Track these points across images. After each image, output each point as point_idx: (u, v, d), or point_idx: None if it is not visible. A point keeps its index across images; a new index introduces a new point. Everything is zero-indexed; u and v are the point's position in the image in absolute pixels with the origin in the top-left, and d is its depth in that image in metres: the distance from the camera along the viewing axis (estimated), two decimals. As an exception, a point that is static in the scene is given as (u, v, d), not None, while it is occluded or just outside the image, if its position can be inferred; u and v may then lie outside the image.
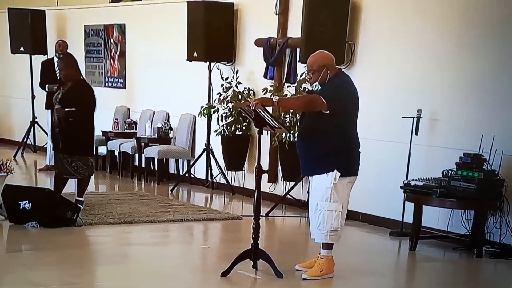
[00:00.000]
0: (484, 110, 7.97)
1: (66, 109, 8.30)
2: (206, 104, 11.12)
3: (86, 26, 14.31)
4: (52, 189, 8.53)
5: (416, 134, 8.34)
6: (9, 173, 8.08)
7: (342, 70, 7.36)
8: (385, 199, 8.83)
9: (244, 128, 10.79)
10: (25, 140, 14.26)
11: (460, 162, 7.72)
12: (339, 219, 6.34)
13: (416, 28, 8.64)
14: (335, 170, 6.24)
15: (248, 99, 10.37)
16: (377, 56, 9.12)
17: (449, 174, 7.79)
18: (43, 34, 14.20)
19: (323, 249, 6.45)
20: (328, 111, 6.14)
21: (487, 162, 7.64)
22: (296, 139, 7.09)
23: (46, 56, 13.67)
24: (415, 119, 8.34)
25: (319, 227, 6.33)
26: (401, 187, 8.08)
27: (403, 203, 8.33)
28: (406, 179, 8.20)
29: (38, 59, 13.24)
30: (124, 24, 13.45)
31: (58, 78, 9.07)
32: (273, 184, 10.39)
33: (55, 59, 11.77)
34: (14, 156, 13.66)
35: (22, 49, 14.20)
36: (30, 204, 7.70)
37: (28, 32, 14.05)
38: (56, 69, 10.78)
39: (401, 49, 8.82)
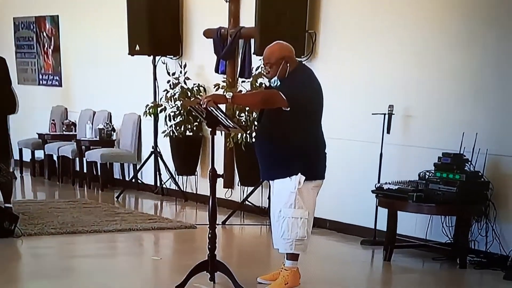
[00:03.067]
0: (465, 105, 7.45)
1: None
2: (152, 103, 10.60)
3: (16, 18, 13.68)
4: None
5: (388, 132, 7.84)
6: None
7: (303, 62, 7.00)
8: (355, 204, 8.33)
9: (195, 128, 10.29)
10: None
11: (438, 163, 7.24)
12: (305, 227, 6.01)
13: (386, 15, 8.08)
14: (299, 174, 5.92)
15: (198, 96, 9.94)
16: (341, 47, 8.55)
17: (427, 176, 7.35)
18: None
19: (287, 260, 6.14)
20: (288, 108, 5.83)
21: (469, 163, 7.17)
22: (254, 140, 6.84)
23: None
24: (387, 115, 7.84)
25: (283, 236, 6.03)
26: (372, 191, 7.62)
27: (376, 209, 7.85)
28: (378, 182, 7.73)
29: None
30: (58, 16, 12.82)
31: None
32: (230, 189, 9.89)
33: None
34: None
35: None
36: None
37: None
38: None
39: (368, 38, 8.24)
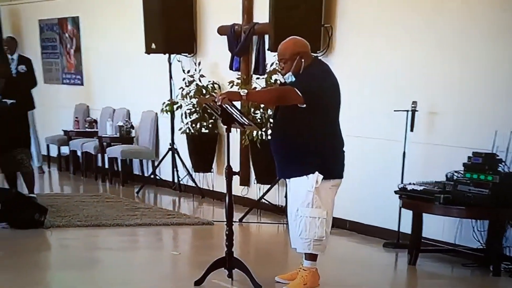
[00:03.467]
0: (498, 101, 5.90)
1: (10, 102, 7.82)
2: (168, 100, 9.11)
3: (41, 20, 12.20)
4: (16, 189, 7.87)
5: (412, 130, 6.34)
6: None
7: (319, 58, 5.67)
8: (377, 205, 6.84)
9: (210, 125, 8.81)
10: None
11: (468, 163, 5.76)
12: (324, 227, 5.11)
13: (408, 5, 6.54)
14: (316, 172, 5.03)
15: (213, 93, 8.45)
16: (359, 41, 7.03)
17: (455, 177, 5.86)
18: None
19: (306, 260, 5.25)
20: (304, 105, 4.95)
21: (503, 163, 5.67)
22: (269, 138, 6.07)
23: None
24: (410, 112, 6.33)
25: (301, 236, 5.15)
26: (395, 192, 6.17)
27: (399, 210, 6.36)
28: (401, 182, 6.27)
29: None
30: (78, 17, 11.32)
31: None
32: (246, 187, 8.41)
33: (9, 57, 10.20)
34: None
35: None
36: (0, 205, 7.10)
37: None
38: (12, 67, 9.83)
39: (388, 31, 6.72)
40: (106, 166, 10.31)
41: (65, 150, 11.23)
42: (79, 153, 10.83)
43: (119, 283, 5.54)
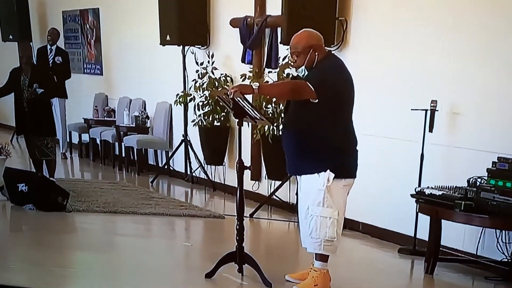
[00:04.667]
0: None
1: (40, 91, 7.35)
2: (182, 92, 8.12)
3: (64, 12, 11.26)
4: (42, 173, 7.51)
5: (431, 131, 5.31)
6: (7, 156, 7.22)
7: (332, 52, 4.97)
8: (392, 208, 5.81)
9: (222, 118, 7.81)
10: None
11: (493, 168, 4.73)
12: (335, 227, 4.47)
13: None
14: (328, 170, 4.37)
15: (225, 86, 7.45)
16: (375, 35, 5.98)
17: (478, 183, 4.84)
18: (27, 22, 11.50)
19: (316, 260, 4.60)
20: (316, 100, 4.32)
21: (532, 171, 4.61)
22: (281, 133, 5.34)
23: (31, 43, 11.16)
24: (429, 112, 5.29)
25: (311, 235, 4.52)
26: (412, 196, 5.18)
27: (416, 215, 5.34)
28: (419, 186, 5.28)
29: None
30: (98, 8, 10.33)
31: (24, 62, 7.60)
32: (257, 182, 7.41)
33: (48, 47, 9.82)
34: (11, 140, 11.29)
35: (11, 37, 11.61)
36: (26, 187, 6.79)
37: (15, 20, 11.44)
38: (50, 56, 9.61)
39: (406, 25, 5.66)
40: (123, 154, 9.41)
41: (85, 137, 10.38)
42: (98, 141, 9.98)
43: (133, 267, 5.21)
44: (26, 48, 7.54)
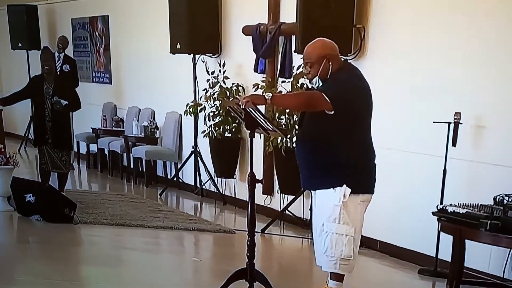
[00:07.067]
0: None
1: (65, 103, 7.26)
2: (192, 102, 7.93)
3: (73, 19, 11.14)
4: (48, 184, 7.34)
5: (454, 145, 5.04)
6: (15, 166, 7.08)
7: (349, 61, 4.86)
8: (412, 226, 5.56)
9: (233, 129, 7.61)
10: (26, 134, 11.60)
11: (522, 186, 4.44)
12: (351, 245, 4.31)
13: (450, 4, 5.20)
14: (344, 185, 4.22)
15: (237, 96, 7.26)
16: (394, 44, 5.74)
17: (505, 201, 4.54)
18: (36, 30, 11.54)
19: (331, 279, 4.43)
20: (332, 112, 4.16)
21: None
22: (294, 145, 5.16)
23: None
24: (452, 125, 5.03)
25: (326, 253, 4.34)
26: (433, 214, 4.88)
27: (438, 234, 5.07)
28: (441, 203, 5.00)
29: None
30: (107, 16, 10.19)
31: (46, 72, 7.38)
32: (269, 196, 7.18)
33: (56, 54, 9.68)
34: (19, 150, 11.24)
35: (20, 45, 11.63)
36: (34, 197, 6.73)
37: (24, 28, 11.50)
38: (57, 64, 9.48)
39: (428, 32, 5.41)
40: (132, 165, 9.24)
41: (93, 147, 10.24)
42: (106, 151, 9.84)
43: (140, 282, 5.07)
44: (48, 57, 7.29)
